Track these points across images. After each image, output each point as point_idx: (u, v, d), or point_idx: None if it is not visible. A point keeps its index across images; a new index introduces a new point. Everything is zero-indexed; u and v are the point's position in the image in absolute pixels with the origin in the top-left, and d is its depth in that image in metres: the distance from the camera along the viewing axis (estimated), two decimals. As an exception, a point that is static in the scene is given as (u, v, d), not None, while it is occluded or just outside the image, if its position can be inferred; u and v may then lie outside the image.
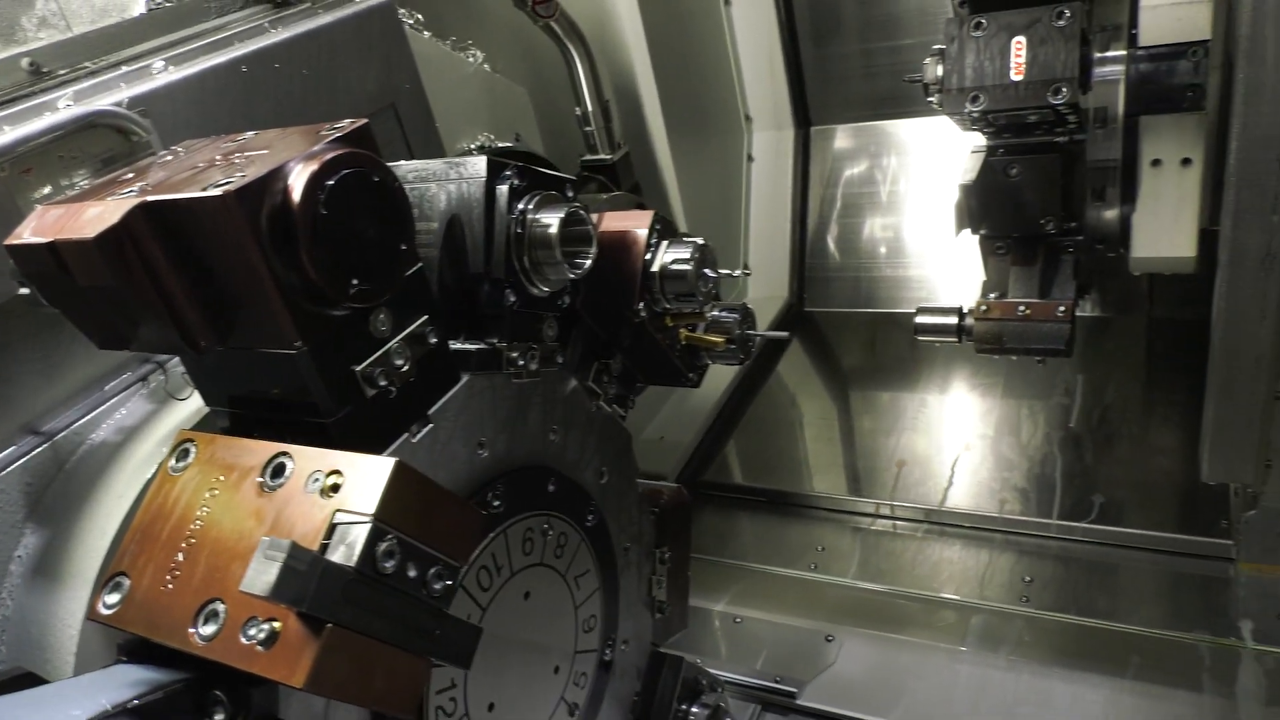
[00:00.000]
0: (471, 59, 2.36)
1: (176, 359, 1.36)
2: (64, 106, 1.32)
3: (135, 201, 0.94)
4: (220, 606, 0.92)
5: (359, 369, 1.03)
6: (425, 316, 1.12)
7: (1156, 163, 2.26)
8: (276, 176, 0.94)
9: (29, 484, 1.26)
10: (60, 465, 1.26)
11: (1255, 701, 2.00)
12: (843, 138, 3.85)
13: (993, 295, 2.38)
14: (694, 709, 1.77)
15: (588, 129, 2.96)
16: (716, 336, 1.52)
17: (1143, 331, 3.26)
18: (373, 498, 0.91)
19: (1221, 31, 2.19)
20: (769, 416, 3.39)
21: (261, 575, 0.80)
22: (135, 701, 0.91)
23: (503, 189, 1.20)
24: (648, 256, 1.40)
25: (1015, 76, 2.00)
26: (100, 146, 1.30)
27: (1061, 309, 2.28)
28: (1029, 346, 2.33)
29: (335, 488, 0.94)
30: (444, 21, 2.50)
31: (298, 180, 0.94)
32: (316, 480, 0.95)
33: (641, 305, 1.40)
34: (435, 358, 1.14)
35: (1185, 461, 2.67)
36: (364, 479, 0.93)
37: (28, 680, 1.20)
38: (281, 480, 0.98)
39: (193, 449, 1.07)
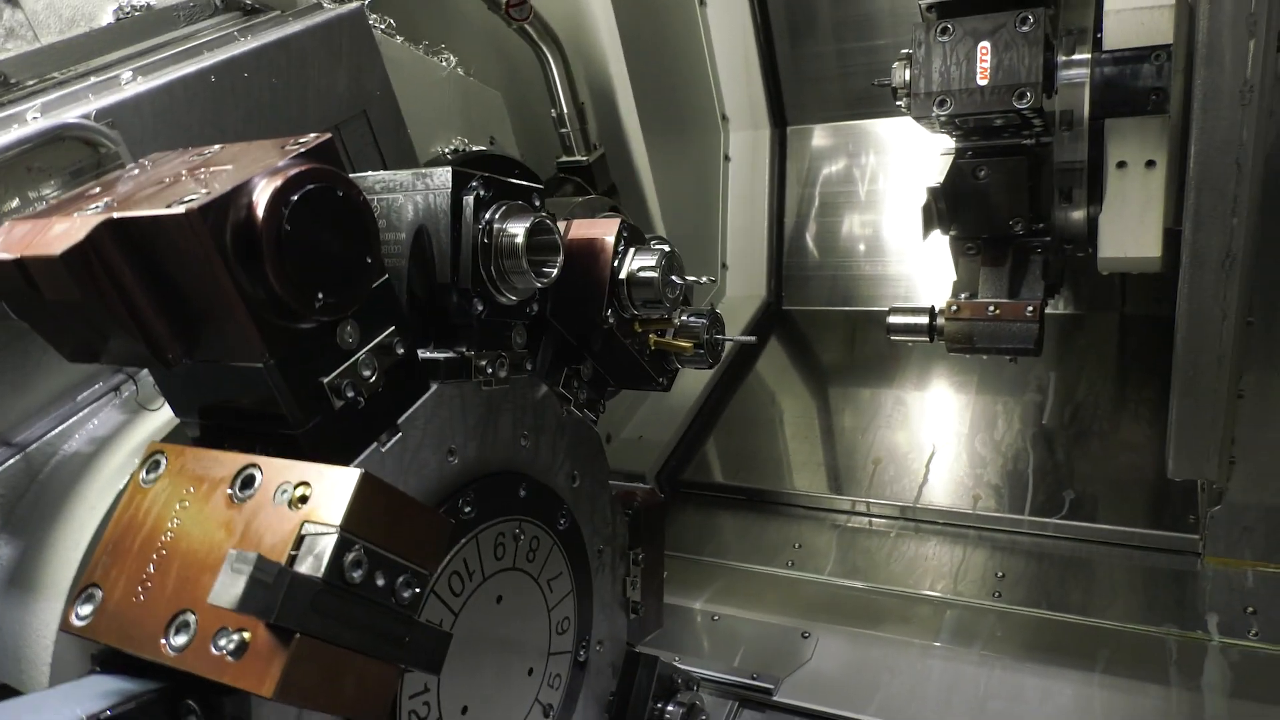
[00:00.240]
0: (444, 63, 2.37)
1: (147, 370, 1.37)
2: (32, 119, 1.32)
3: (101, 218, 0.95)
4: (191, 617, 0.94)
5: (326, 380, 1.05)
6: (393, 327, 1.13)
7: (1122, 165, 2.30)
8: (241, 192, 0.95)
9: (2, 495, 1.26)
10: (33, 477, 1.27)
11: (1220, 694, 2.04)
12: (819, 137, 3.88)
13: (963, 295, 2.41)
14: (669, 707, 1.79)
15: (563, 131, 2.97)
16: (685, 342, 1.54)
17: (1115, 328, 3.30)
18: (339, 508, 0.93)
19: (1184, 36, 2.23)
20: (748, 415, 3.41)
21: (229, 588, 0.82)
22: (108, 712, 0.92)
23: (469, 199, 1.22)
24: (615, 264, 1.42)
25: (981, 81, 2.04)
26: (68, 159, 1.31)
27: (1030, 309, 2.31)
28: (999, 346, 2.36)
29: (303, 499, 0.95)
30: (417, 26, 2.51)
31: (262, 196, 0.95)
32: (285, 491, 0.96)
33: (610, 312, 1.42)
34: (403, 367, 1.16)
35: (1155, 457, 2.71)
36: (331, 490, 0.94)
37: (2, 691, 1.20)
38: (251, 492, 0.99)
39: (163, 461, 1.08)
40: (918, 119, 2.15)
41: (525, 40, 2.79)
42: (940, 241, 2.45)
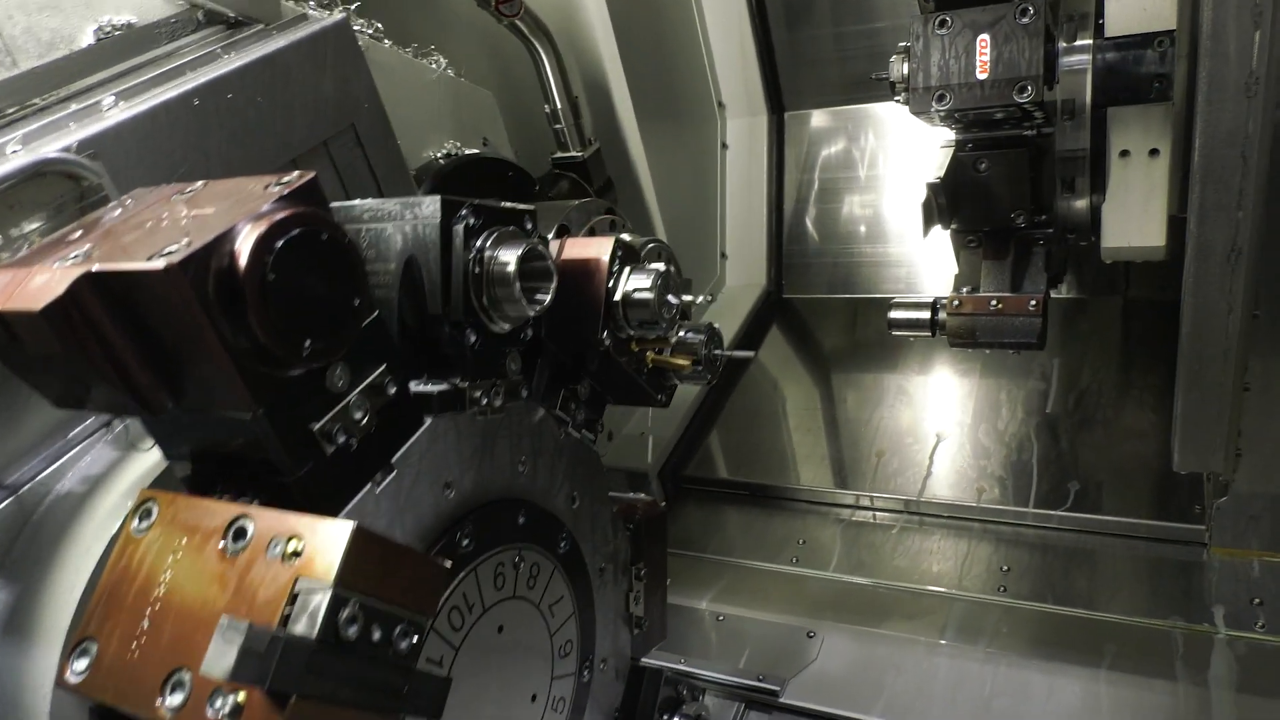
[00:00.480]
0: (434, 65, 2.33)
1: (139, 404, 1.35)
2: (12, 152, 1.30)
3: (81, 271, 0.93)
4: (186, 676, 0.93)
5: (317, 427, 1.03)
6: (384, 366, 1.11)
7: (1125, 154, 2.26)
8: (223, 242, 0.92)
9: (-4, 537, 1.25)
10: (26, 519, 1.26)
11: (1227, 688, 2.04)
12: (818, 122, 3.83)
13: (965, 289, 2.39)
14: (675, 719, 1.79)
15: (557, 126, 2.94)
16: (683, 360, 1.52)
17: (1119, 313, 3.28)
18: (332, 564, 0.91)
19: (1187, 21, 2.19)
20: (750, 407, 3.40)
21: (221, 658, 0.80)
22: (106, 771, 0.92)
23: (458, 229, 1.19)
24: (610, 284, 1.40)
25: (981, 75, 2.00)
26: (51, 194, 1.28)
27: (1033, 303, 2.29)
28: (1002, 340, 2.34)
29: (296, 553, 0.94)
30: (406, 27, 2.47)
31: (244, 244, 0.93)
32: (277, 545, 0.95)
33: (605, 334, 1.39)
34: (396, 406, 1.14)
35: (1160, 445, 2.70)
36: (324, 544, 0.93)
37: (3, 737, 1.20)
38: (243, 544, 0.97)
39: (155, 508, 1.07)
40: (916, 114, 2.11)
41: (516, 35, 2.74)
42: (942, 229, 2.42)
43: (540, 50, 2.80)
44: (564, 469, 1.48)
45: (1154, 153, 2.24)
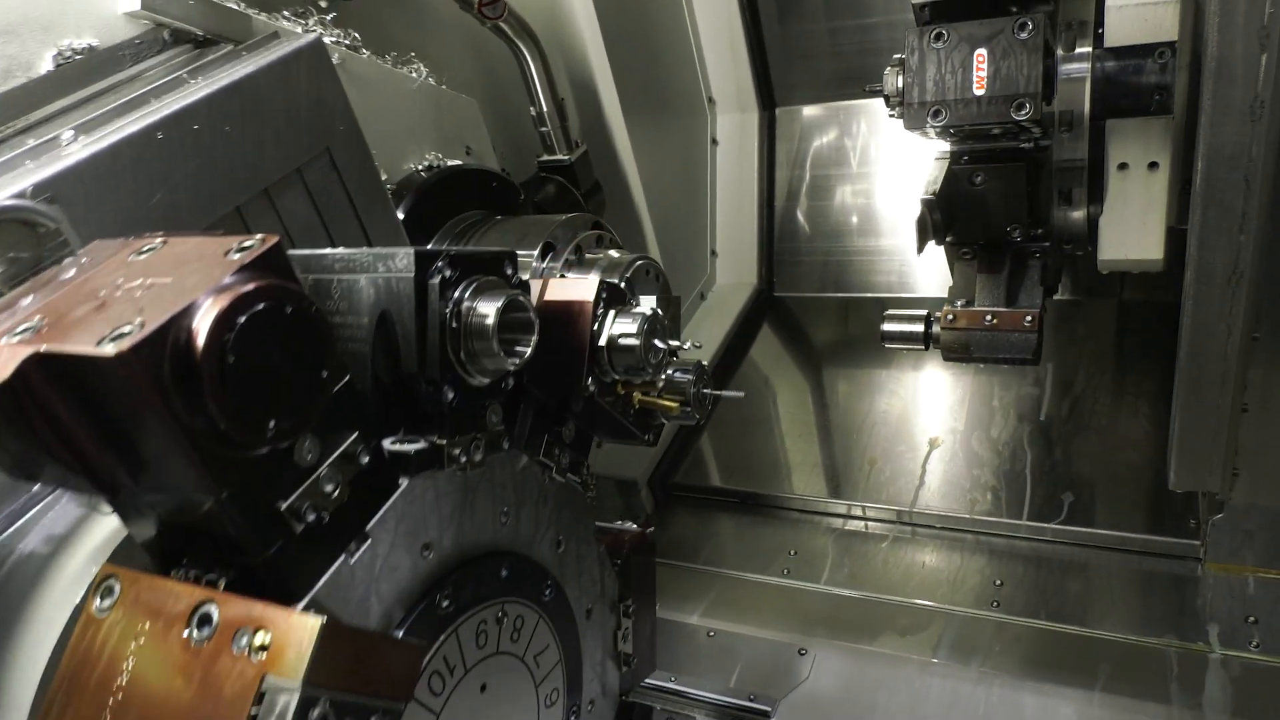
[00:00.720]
0: (414, 74, 2.26)
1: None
2: (-36, 196, 1.23)
3: (29, 351, 0.87)
4: (148, 775, 0.89)
5: (285, 505, 0.98)
6: (356, 434, 1.06)
7: (1123, 166, 2.21)
8: (179, 322, 0.87)
9: (-42, 599, 1.20)
10: (-13, 582, 1.21)
11: (1221, 712, 2.02)
12: (809, 118, 3.76)
13: (959, 303, 2.34)
14: (664, 754, 1.76)
15: (543, 129, 2.87)
16: (671, 402, 1.48)
17: (1113, 315, 3.24)
18: (301, 660, 0.87)
19: (1190, 31, 2.13)
20: (741, 412, 3.35)
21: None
22: None
23: (434, 283, 1.14)
24: (595, 327, 1.35)
25: (977, 91, 1.94)
26: (6, 242, 1.22)
27: (1029, 318, 2.24)
28: (996, 356, 2.30)
29: (263, 646, 0.89)
30: (387, 31, 2.39)
31: (202, 324, 0.88)
32: (243, 637, 0.90)
33: (590, 380, 1.35)
34: (370, 473, 1.09)
35: (1154, 455, 2.67)
36: (291, 639, 0.88)
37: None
38: (208, 633, 0.93)
39: (117, 587, 1.02)
40: (911, 130, 2.05)
41: (500, 38, 2.67)
42: (936, 245, 2.37)
43: (525, 52, 2.72)
44: (549, 515, 1.44)
45: (1153, 166, 2.19)
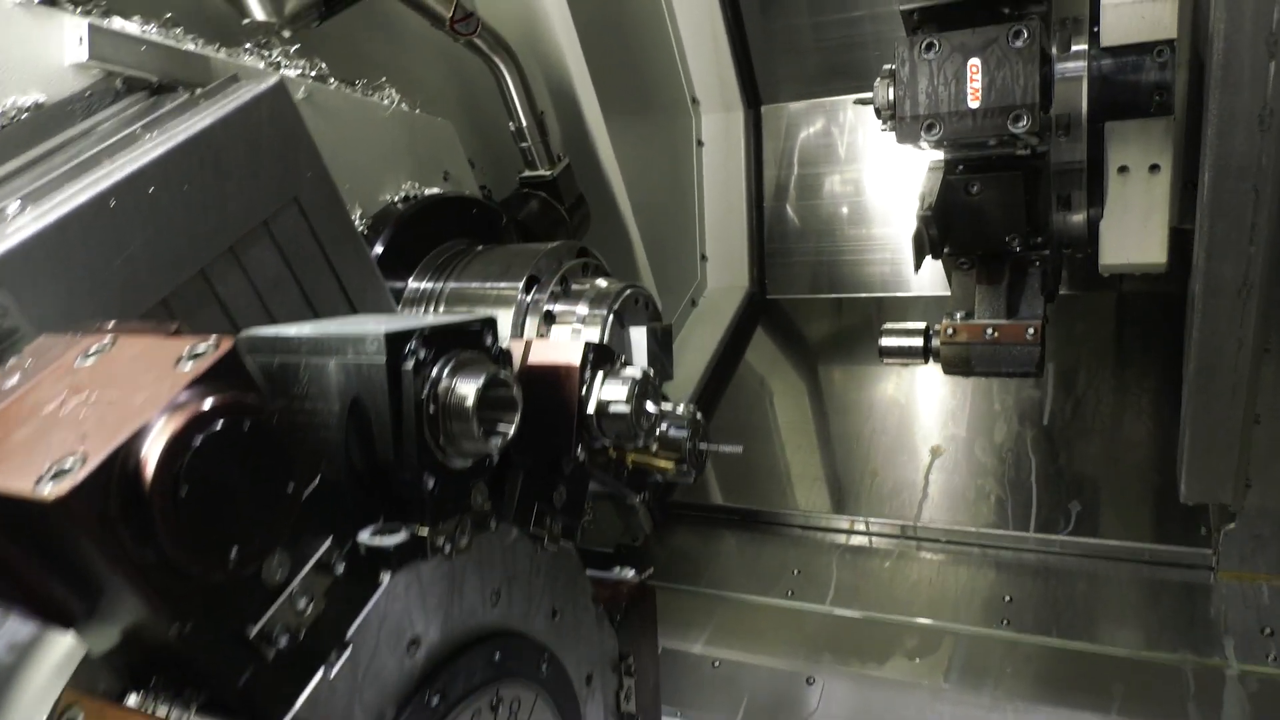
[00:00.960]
0: (386, 101, 2.17)
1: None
2: (-99, 285, 1.15)
3: (-39, 485, 0.80)
4: None
5: (254, 631, 0.91)
6: (330, 540, 0.99)
7: (1124, 169, 2.14)
8: (126, 450, 0.80)
9: (-83, 711, 1.13)
10: (-54, 698, 1.13)
11: (1241, 732, 1.97)
12: (796, 115, 3.67)
13: (959, 315, 2.27)
14: (673, 810, 1.70)
15: (523, 145, 2.78)
16: (666, 462, 1.40)
17: (1113, 308, 3.18)
18: (275, 814, 0.80)
19: (1188, 28, 2.05)
20: (739, 421, 3.30)
21: None
22: None
23: (408, 367, 1.06)
24: (583, 392, 1.27)
25: (972, 103, 1.86)
26: (-53, 335, 1.14)
27: (1031, 331, 2.18)
28: (999, 370, 2.24)
29: (234, 795, 0.83)
30: (359, 51, 2.31)
31: (151, 451, 0.80)
32: (213, 783, 0.84)
33: (580, 448, 1.27)
34: (347, 581, 1.02)
35: (1160, 458, 2.62)
36: (264, 789, 0.81)
37: None
38: (176, 776, 0.86)
39: (80, 718, 0.95)
40: (903, 143, 1.97)
41: (475, 53, 2.57)
42: (934, 260, 2.30)
43: (502, 67, 2.63)
44: (542, 586, 1.37)
45: (1154, 168, 2.12)
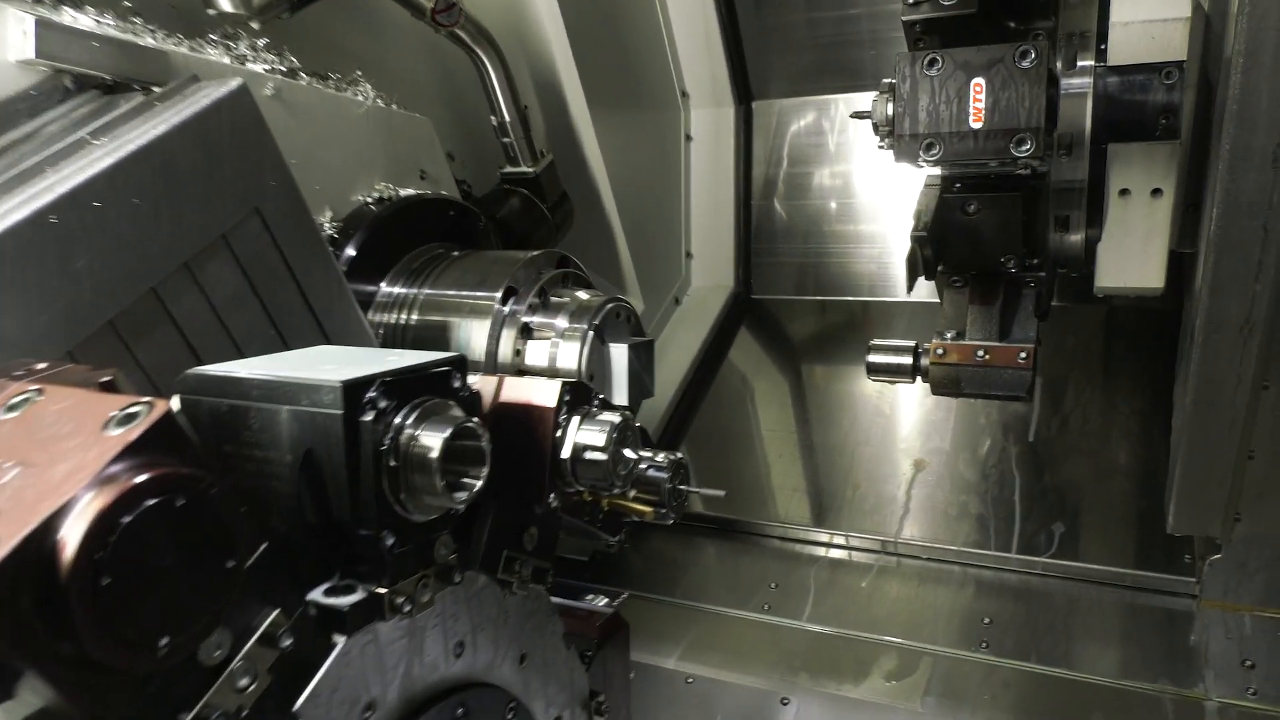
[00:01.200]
0: (361, 97, 2.07)
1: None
2: None
3: None
4: None
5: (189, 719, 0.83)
6: (277, 611, 0.91)
7: (1125, 192, 2.07)
8: (42, 532, 0.72)
9: None
10: None
11: (1220, 772, 1.94)
12: (787, 112, 3.58)
13: (949, 335, 2.21)
14: None
15: (505, 140, 2.68)
16: (644, 505, 1.33)
17: (1102, 323, 3.12)
18: None
19: (1199, 50, 1.98)
20: (721, 425, 3.23)
21: None
22: None
23: (367, 420, 0.98)
24: (557, 434, 1.20)
25: (974, 124, 1.78)
26: None
27: (1023, 355, 2.12)
28: (988, 392, 2.18)
29: None
30: (331, 53, 2.20)
31: (70, 534, 0.72)
32: None
33: (553, 495, 1.20)
34: (296, 651, 0.94)
35: (1146, 479, 2.58)
36: None
37: None
38: None
39: (-3, 801, 0.87)
40: (901, 162, 1.90)
41: (458, 45, 2.47)
42: (927, 280, 2.23)
43: (485, 59, 2.53)
44: (509, 634, 1.30)
45: (1156, 192, 2.06)
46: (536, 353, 1.94)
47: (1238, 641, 2.19)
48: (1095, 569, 2.42)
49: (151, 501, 0.76)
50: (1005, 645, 2.33)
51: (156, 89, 1.51)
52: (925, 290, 2.76)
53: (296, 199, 1.58)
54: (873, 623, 2.47)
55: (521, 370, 1.94)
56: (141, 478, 0.76)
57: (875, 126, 1.92)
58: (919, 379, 2.26)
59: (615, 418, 1.20)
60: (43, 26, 1.39)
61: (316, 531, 1.04)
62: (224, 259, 1.46)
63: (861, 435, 2.98)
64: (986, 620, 2.40)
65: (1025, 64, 1.73)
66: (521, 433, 1.21)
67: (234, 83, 1.47)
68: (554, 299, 1.99)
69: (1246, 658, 2.16)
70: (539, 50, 2.90)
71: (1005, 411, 2.91)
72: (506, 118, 2.62)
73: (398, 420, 1.02)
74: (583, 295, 1.99)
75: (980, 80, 1.76)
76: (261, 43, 1.84)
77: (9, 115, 1.40)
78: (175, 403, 1.07)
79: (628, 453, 1.21)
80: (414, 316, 2.04)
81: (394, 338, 2.05)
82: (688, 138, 3.59)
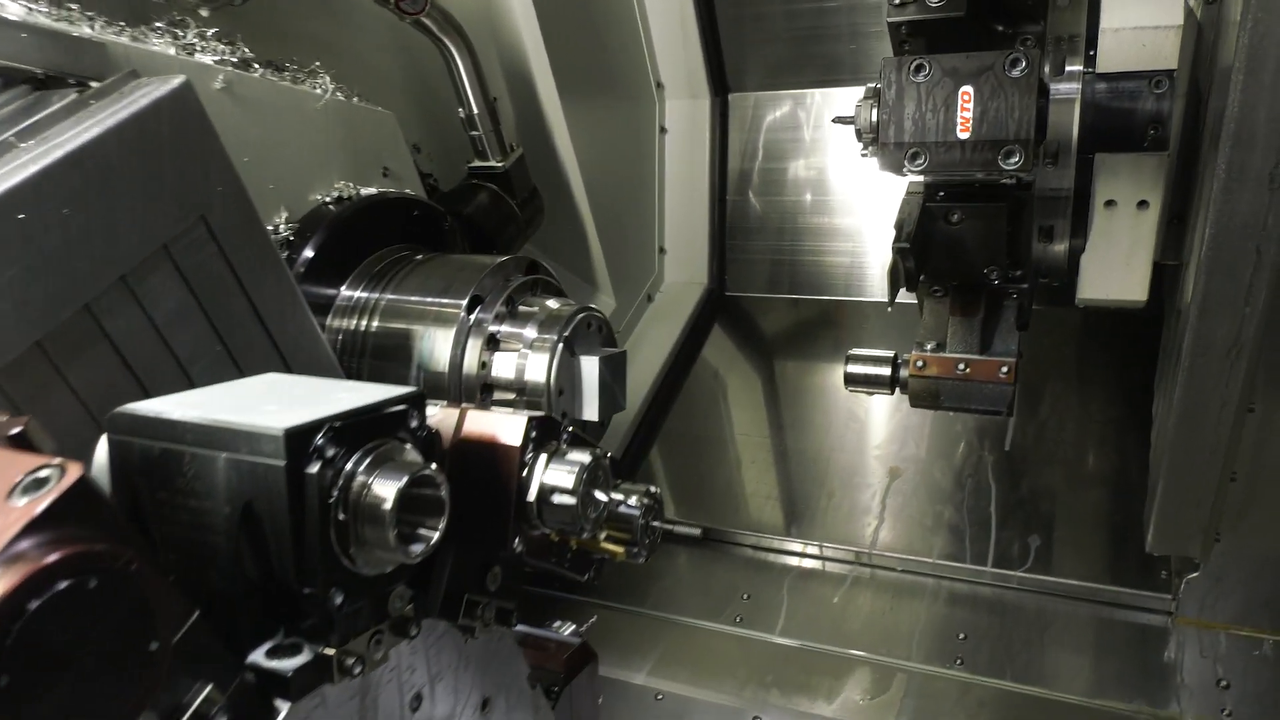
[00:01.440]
0: (319, 90, 1.95)
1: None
2: None
3: None
4: None
5: (106, 818, 0.75)
6: (210, 686, 0.83)
7: (1110, 203, 2.02)
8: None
9: None
10: None
11: (1195, 797, 1.92)
12: (764, 105, 3.50)
13: (929, 347, 2.15)
14: None
15: (474, 133, 2.58)
16: (616, 546, 1.26)
17: (1077, 325, 3.09)
18: None
19: (1189, 59, 1.93)
20: (693, 430, 3.16)
21: None
22: None
23: (312, 471, 0.90)
24: (524, 474, 1.12)
25: (962, 135, 1.72)
26: None
27: (1004, 369, 2.07)
28: (968, 406, 2.13)
29: None
30: (288, 41, 2.08)
31: (-36, 628, 0.63)
32: None
33: (518, 541, 1.12)
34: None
35: (1122, 490, 2.55)
36: None
37: None
38: None
39: None
40: (886, 171, 1.83)
41: (424, 34, 2.36)
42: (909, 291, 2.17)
43: (452, 49, 2.42)
44: (470, 679, 1.22)
45: (1143, 204, 2.00)
46: (503, 364, 1.85)
47: (1213, 660, 2.17)
48: (1070, 584, 2.39)
49: (63, 584, 0.67)
50: (979, 662, 2.29)
51: (94, 84, 1.40)
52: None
53: (245, 204, 1.47)
54: (846, 637, 2.42)
55: (487, 383, 1.86)
56: (51, 557, 0.67)
57: (858, 133, 1.84)
58: (898, 390, 2.21)
59: (585, 457, 1.12)
60: (-37, 16, 1.27)
61: (257, 587, 0.95)
62: (165, 271, 1.36)
63: (836, 441, 2.93)
64: (961, 636, 2.37)
65: (1015, 72, 1.67)
66: (484, 471, 1.13)
67: (176, 80, 1.36)
68: (522, 308, 1.90)
69: (1221, 678, 2.14)
70: (509, 39, 2.80)
71: (981, 418, 2.87)
72: (475, 110, 2.51)
73: (348, 468, 0.94)
74: (552, 304, 1.90)
75: (969, 88, 1.70)
76: (211, 32, 1.73)
77: (-74, 112, 1.28)
78: (103, 444, 0.98)
79: (598, 494, 1.13)
80: (374, 323, 1.94)
81: (353, 345, 1.95)
82: (662, 130, 3.50)
